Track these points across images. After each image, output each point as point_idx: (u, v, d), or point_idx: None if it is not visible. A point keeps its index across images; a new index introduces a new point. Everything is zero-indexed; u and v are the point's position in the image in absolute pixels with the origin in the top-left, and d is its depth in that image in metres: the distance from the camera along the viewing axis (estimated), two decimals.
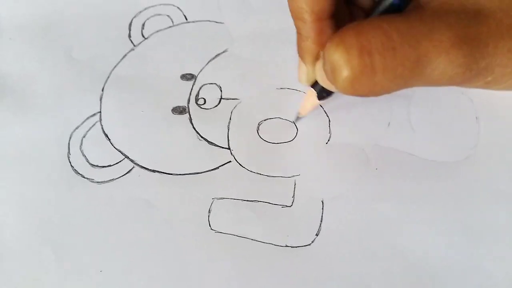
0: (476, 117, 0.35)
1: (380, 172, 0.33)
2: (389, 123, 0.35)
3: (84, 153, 0.34)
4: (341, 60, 0.23)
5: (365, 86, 0.24)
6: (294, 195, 0.32)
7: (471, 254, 0.30)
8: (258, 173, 0.33)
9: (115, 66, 0.38)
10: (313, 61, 0.29)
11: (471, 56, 0.23)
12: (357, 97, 0.25)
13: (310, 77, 0.30)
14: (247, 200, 0.32)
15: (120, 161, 0.34)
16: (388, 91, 0.24)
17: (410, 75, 0.23)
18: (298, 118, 0.35)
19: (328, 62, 0.24)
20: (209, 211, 0.32)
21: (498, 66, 0.24)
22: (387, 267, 0.30)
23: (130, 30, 0.39)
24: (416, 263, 0.30)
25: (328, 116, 0.35)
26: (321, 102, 0.32)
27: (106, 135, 0.35)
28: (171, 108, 0.36)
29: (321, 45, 0.27)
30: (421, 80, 0.24)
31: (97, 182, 0.33)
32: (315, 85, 0.31)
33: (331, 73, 0.24)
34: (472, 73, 0.24)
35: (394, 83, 0.24)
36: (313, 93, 0.31)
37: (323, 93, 0.31)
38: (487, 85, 0.26)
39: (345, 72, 0.23)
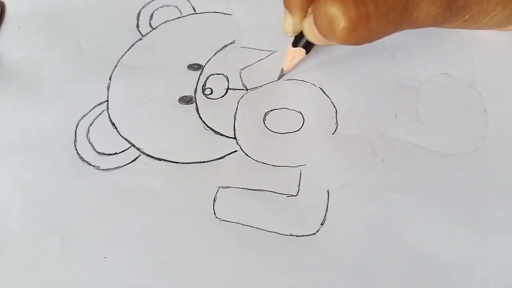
0: (484, 110, 0.34)
1: (387, 163, 0.33)
2: (396, 114, 0.34)
3: (91, 141, 0.34)
4: (339, 13, 0.26)
5: (362, 34, 0.26)
6: (299, 185, 0.32)
7: (478, 246, 0.30)
8: (263, 163, 0.33)
9: (122, 56, 0.38)
10: (300, 12, 0.31)
11: None
12: (352, 45, 0.27)
13: (297, 28, 0.32)
14: (252, 189, 0.32)
15: (126, 149, 0.34)
16: (381, 36, 0.27)
17: (400, 19, 0.26)
18: (281, 75, 0.36)
19: (325, 16, 0.26)
20: (214, 200, 0.32)
21: (475, 3, 0.27)
22: (392, 258, 0.30)
23: (138, 20, 0.40)
24: (421, 254, 0.30)
25: (335, 107, 0.35)
26: (302, 55, 0.34)
27: (113, 124, 0.35)
28: (178, 97, 0.36)
29: None
30: (409, 23, 0.27)
31: (103, 169, 0.33)
32: (298, 39, 0.33)
33: (329, 25, 0.27)
34: (452, 12, 0.27)
35: (387, 28, 0.27)
36: (298, 50, 0.33)
37: (307, 46, 0.33)
38: (465, 24, 0.29)
39: (342, 23, 0.26)
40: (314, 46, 0.33)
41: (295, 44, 0.33)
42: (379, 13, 0.26)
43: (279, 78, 0.36)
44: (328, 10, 0.26)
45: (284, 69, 0.35)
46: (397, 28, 0.27)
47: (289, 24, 0.32)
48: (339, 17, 0.26)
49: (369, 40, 0.27)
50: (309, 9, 0.30)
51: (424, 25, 0.28)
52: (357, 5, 0.25)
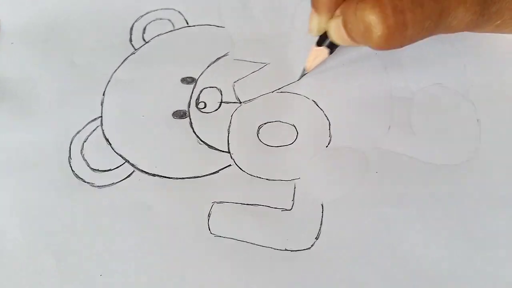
0: (477, 120, 0.34)
1: (381, 175, 0.33)
2: (389, 126, 0.34)
3: (85, 157, 0.34)
4: (377, 20, 0.26)
5: (397, 40, 0.27)
6: (294, 199, 0.32)
7: (472, 258, 0.30)
8: (258, 177, 0.33)
9: (115, 70, 0.38)
10: (327, 13, 0.31)
11: (484, 3, 0.27)
12: (383, 50, 0.28)
13: (322, 28, 0.32)
14: (247, 204, 0.32)
15: (120, 165, 0.34)
16: (414, 41, 0.28)
17: (435, 26, 0.27)
18: (303, 74, 0.36)
19: (361, 22, 0.27)
20: (209, 215, 0.32)
21: (507, 9, 0.28)
22: (387, 271, 0.30)
23: (131, 34, 0.40)
24: (416, 266, 0.30)
25: (328, 120, 0.35)
26: (328, 56, 0.34)
27: (107, 140, 0.35)
28: (172, 112, 0.36)
29: None
30: (443, 29, 0.28)
31: (98, 186, 0.33)
32: (321, 39, 0.33)
33: (365, 31, 0.27)
34: (485, 18, 0.28)
35: (421, 35, 0.27)
36: (317, 49, 0.34)
37: (332, 47, 0.33)
38: (496, 29, 0.29)
39: (380, 31, 0.26)
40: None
41: (319, 43, 0.34)
42: (415, 20, 0.26)
43: (300, 78, 0.36)
44: (366, 17, 0.27)
45: (307, 68, 0.36)
46: (430, 34, 0.28)
47: (315, 24, 0.32)
48: (377, 25, 0.26)
49: (402, 45, 0.28)
50: (337, 10, 0.30)
51: (457, 31, 0.28)
52: (395, 13, 0.26)
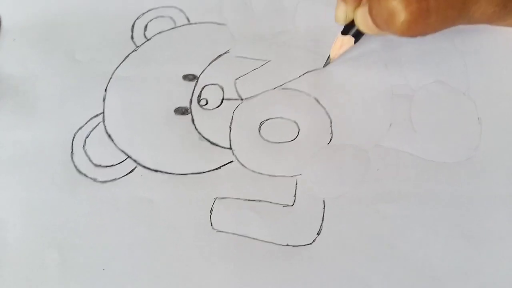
0: (478, 118, 0.35)
1: (382, 172, 0.33)
2: (390, 124, 0.35)
3: (87, 153, 0.35)
4: (400, 6, 0.27)
5: (420, 27, 0.28)
6: (295, 195, 0.32)
7: (471, 256, 0.30)
8: (259, 173, 0.33)
9: (117, 67, 0.38)
10: (354, 1, 0.32)
11: None
12: (408, 37, 0.29)
13: (349, 16, 0.33)
14: (248, 200, 0.32)
15: (122, 161, 0.34)
16: (437, 30, 0.28)
17: (458, 15, 0.28)
18: (328, 62, 0.36)
19: (385, 8, 0.28)
20: (211, 211, 0.32)
21: None
22: (387, 267, 0.30)
23: (132, 31, 0.40)
24: (416, 263, 0.30)
25: (330, 117, 0.35)
26: (354, 45, 0.35)
27: (109, 136, 0.35)
28: (174, 108, 0.36)
29: None
30: (465, 19, 0.28)
31: (100, 181, 0.33)
32: (347, 28, 0.34)
33: (388, 17, 0.28)
34: (507, 10, 0.28)
35: (444, 23, 0.28)
36: (343, 38, 0.34)
37: (357, 35, 0.34)
38: None
39: (403, 17, 0.27)
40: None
41: (344, 32, 0.34)
42: (439, 8, 0.27)
43: (324, 66, 0.37)
44: (390, 3, 0.27)
45: (332, 56, 0.36)
46: (453, 23, 0.28)
47: (341, 12, 0.33)
48: (400, 11, 0.27)
49: (425, 33, 0.28)
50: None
51: (478, 22, 0.29)
52: (418, 0, 0.26)
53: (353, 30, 0.34)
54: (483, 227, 0.31)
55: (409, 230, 0.31)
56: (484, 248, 0.31)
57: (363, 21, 0.31)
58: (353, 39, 0.34)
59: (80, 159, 0.34)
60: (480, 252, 0.30)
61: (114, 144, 0.35)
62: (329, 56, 0.36)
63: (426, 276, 0.30)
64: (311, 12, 0.39)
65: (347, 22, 0.34)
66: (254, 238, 0.31)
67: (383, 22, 0.29)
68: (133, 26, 0.40)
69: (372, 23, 0.30)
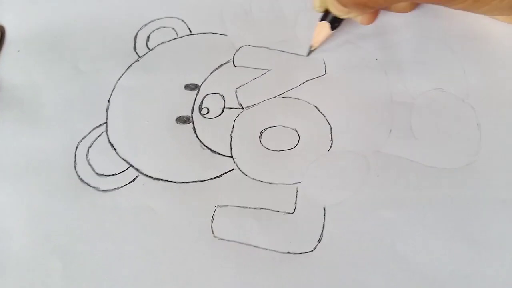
0: (478, 124, 0.35)
1: (382, 179, 0.33)
2: (390, 130, 0.35)
3: (90, 162, 0.35)
4: None
5: None
6: (296, 202, 0.33)
7: (472, 261, 0.30)
8: (260, 181, 0.34)
9: (120, 77, 0.38)
10: None
11: None
12: (363, 12, 0.33)
13: (323, 3, 0.35)
14: (249, 208, 0.33)
15: (125, 170, 0.35)
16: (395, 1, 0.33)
17: None
18: (310, 51, 0.38)
19: None
20: (212, 219, 0.32)
21: None
22: (389, 274, 0.30)
23: (135, 42, 0.40)
24: (418, 270, 0.30)
25: (329, 124, 0.35)
26: (333, 32, 0.37)
27: (112, 145, 0.36)
28: (175, 117, 0.36)
29: None
30: None
31: (103, 190, 0.34)
32: (325, 15, 0.36)
33: None
34: None
35: None
36: (323, 25, 0.36)
37: (334, 22, 0.36)
38: (475, 4, 0.30)
39: None
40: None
41: (323, 20, 0.36)
42: None
43: (308, 55, 0.38)
44: None
45: (313, 43, 0.37)
46: None
47: (316, 0, 0.35)
48: None
49: (375, 4, 0.31)
50: None
51: (432, 1, 0.31)
52: None
53: (329, 17, 0.35)
54: (483, 232, 0.31)
55: (410, 236, 0.31)
56: (485, 253, 0.31)
57: (333, 5, 0.33)
58: (328, 25, 0.36)
59: (83, 168, 0.35)
60: (481, 256, 0.30)
61: (117, 153, 0.35)
62: (311, 45, 0.37)
63: (428, 281, 0.30)
64: (312, 21, 0.39)
65: (323, 9, 0.35)
66: (255, 246, 0.31)
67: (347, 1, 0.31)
68: (135, 36, 0.40)
69: (337, 2, 0.32)
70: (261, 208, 0.33)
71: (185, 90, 0.38)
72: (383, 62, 0.37)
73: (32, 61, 0.40)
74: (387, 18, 0.39)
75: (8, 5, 0.42)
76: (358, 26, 0.38)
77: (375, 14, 0.36)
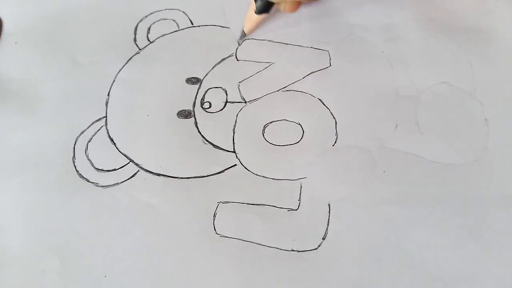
0: (485, 119, 0.34)
1: (388, 174, 0.32)
2: (396, 125, 0.34)
3: (89, 157, 0.34)
4: None
5: None
6: (300, 198, 0.32)
7: (480, 258, 0.30)
8: (263, 176, 0.33)
9: (120, 70, 0.38)
10: None
11: None
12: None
13: None
14: (252, 204, 0.32)
15: (125, 165, 0.34)
16: None
17: None
18: (242, 36, 0.38)
19: None
20: (214, 215, 0.32)
21: None
22: (394, 271, 0.30)
23: (135, 34, 0.39)
24: (424, 266, 0.30)
25: (334, 118, 0.34)
26: (261, 16, 0.38)
27: (112, 139, 0.35)
28: (176, 112, 0.36)
29: None
30: None
31: (102, 186, 0.33)
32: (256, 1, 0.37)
33: None
34: None
35: None
36: (250, 9, 0.37)
37: (262, 8, 0.37)
38: None
39: None
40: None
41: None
42: None
43: (240, 41, 0.39)
44: None
45: (245, 30, 0.38)
46: None
47: None
48: None
49: None
50: None
51: None
52: None
53: (261, 2, 0.37)
54: (491, 228, 0.31)
55: (416, 232, 0.31)
56: (492, 249, 0.30)
57: None
58: (253, 9, 0.37)
59: (82, 164, 0.34)
60: (488, 253, 0.30)
61: (117, 148, 0.35)
62: (243, 31, 0.38)
63: (434, 278, 0.29)
64: (314, 14, 0.39)
65: None
66: (258, 243, 0.31)
67: None
68: (136, 28, 0.40)
69: None
70: (264, 205, 0.32)
71: (186, 84, 0.37)
72: (389, 55, 0.37)
73: (30, 54, 0.39)
74: (393, 11, 0.38)
75: None
76: (363, 18, 0.38)
77: (297, 3, 0.37)
